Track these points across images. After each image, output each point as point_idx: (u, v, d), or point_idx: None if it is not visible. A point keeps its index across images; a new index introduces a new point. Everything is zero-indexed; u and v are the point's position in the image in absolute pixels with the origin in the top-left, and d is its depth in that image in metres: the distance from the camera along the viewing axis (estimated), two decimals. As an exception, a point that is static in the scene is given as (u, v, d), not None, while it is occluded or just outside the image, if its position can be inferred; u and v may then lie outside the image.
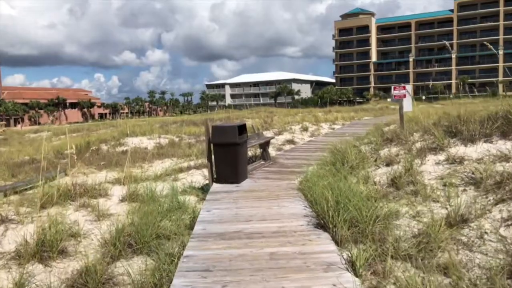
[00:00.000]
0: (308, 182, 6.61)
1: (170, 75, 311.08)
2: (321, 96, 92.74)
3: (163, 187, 8.04)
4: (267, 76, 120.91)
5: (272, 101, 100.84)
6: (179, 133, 18.16)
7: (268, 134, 12.68)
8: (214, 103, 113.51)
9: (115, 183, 9.20)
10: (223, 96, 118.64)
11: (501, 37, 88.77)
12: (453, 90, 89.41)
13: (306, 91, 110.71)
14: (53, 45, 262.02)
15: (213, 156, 7.50)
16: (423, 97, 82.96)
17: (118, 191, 8.19)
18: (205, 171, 9.08)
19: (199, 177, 9.26)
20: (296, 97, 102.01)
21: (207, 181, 8.54)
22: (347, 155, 7.19)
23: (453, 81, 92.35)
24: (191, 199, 7.35)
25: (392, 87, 9.46)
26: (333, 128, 16.20)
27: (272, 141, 10.40)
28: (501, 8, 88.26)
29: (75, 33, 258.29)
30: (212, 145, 7.40)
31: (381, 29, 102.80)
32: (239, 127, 7.31)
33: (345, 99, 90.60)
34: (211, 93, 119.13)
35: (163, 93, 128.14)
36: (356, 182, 6.35)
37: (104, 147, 15.31)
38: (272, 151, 9.84)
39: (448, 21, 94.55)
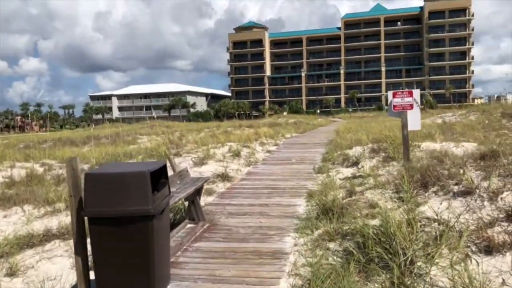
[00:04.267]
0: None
1: (49, 86, 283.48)
2: (218, 109, 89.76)
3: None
4: (160, 87, 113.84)
5: (166, 114, 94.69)
6: (48, 158, 12.97)
7: (182, 163, 8.39)
8: (100, 116, 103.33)
9: None
10: (110, 109, 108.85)
11: (382, 55, 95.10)
12: (342, 104, 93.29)
13: (201, 104, 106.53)
14: None
15: (90, 244, 3.15)
16: (318, 111, 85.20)
17: None
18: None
19: (65, 261, 4.72)
20: (192, 110, 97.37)
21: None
22: (392, 229, 3.37)
23: (342, 96, 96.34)
24: None
25: (390, 94, 5.97)
26: (269, 151, 12.27)
27: (195, 176, 6.24)
28: (382, 28, 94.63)
29: None
30: (87, 219, 3.04)
31: (274, 43, 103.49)
32: (154, 174, 3.07)
33: (242, 112, 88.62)
34: (96, 106, 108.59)
35: (39, 105, 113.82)
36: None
37: None
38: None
39: (336, 38, 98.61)
